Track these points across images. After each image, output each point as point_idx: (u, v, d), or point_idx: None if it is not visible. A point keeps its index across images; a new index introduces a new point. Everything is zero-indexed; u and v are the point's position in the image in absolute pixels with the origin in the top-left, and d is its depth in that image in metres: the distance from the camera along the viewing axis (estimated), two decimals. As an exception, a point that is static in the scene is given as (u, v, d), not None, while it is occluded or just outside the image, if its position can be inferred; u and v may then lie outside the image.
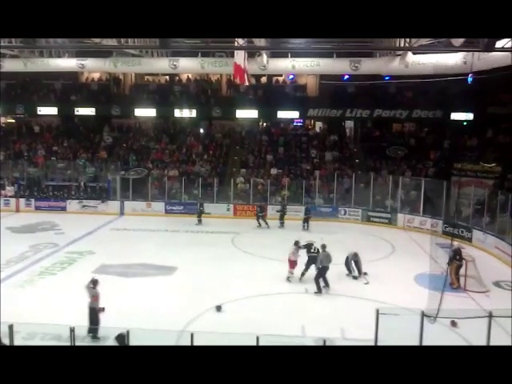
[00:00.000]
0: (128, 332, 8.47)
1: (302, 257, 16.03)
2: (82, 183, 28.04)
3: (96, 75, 33.76)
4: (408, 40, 18.25)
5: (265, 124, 34.14)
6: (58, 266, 17.33)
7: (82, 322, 10.97)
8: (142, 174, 28.97)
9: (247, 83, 23.81)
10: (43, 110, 31.92)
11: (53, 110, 31.94)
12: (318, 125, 34.32)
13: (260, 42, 20.29)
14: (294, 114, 31.36)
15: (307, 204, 25.36)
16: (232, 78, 29.10)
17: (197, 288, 15.06)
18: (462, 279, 15.45)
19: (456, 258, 15.31)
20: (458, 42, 19.52)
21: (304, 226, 23.81)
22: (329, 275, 15.30)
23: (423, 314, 9.41)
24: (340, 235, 21.50)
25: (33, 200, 27.35)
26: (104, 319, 11.72)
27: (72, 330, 8.92)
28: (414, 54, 22.71)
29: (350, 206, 25.93)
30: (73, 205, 27.17)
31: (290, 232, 21.84)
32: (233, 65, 21.27)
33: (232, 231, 22.98)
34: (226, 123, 33.09)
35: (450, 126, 29.86)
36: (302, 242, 16.48)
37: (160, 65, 26.97)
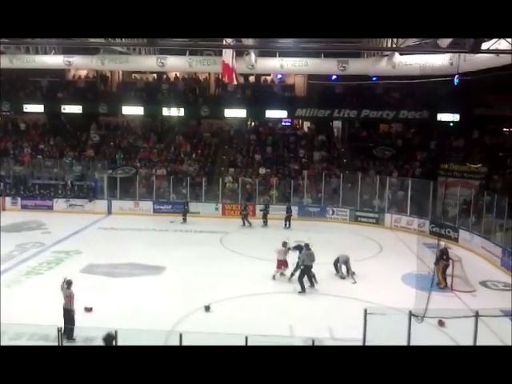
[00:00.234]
0: (116, 332, 8.41)
1: (293, 257, 16.06)
2: (69, 182, 27.74)
3: (83, 72, 33.50)
4: (395, 41, 18.37)
5: (253, 123, 34.13)
6: (45, 265, 17.17)
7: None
8: (130, 172, 28.79)
9: (235, 82, 23.81)
10: (29, 108, 31.58)
11: (39, 108, 31.62)
12: (306, 125, 34.40)
13: (248, 41, 20.28)
14: (283, 114, 31.42)
15: (288, 202, 25.48)
16: (220, 76, 29.04)
17: (185, 288, 15.01)
18: (448, 279, 15.60)
19: (443, 257, 15.45)
20: (444, 43, 19.69)
21: (286, 225, 24.05)
22: (317, 275, 15.37)
23: (411, 314, 9.48)
24: (328, 235, 21.62)
25: (19, 199, 27.03)
26: (92, 319, 11.66)
27: (59, 331, 8.86)
28: (401, 54, 22.88)
29: (338, 206, 26.02)
30: (59, 204, 26.90)
31: (275, 231, 22.12)
32: (221, 63, 21.22)
33: (220, 231, 22.95)
34: (215, 122, 33.02)
35: (436, 127, 30.13)
36: (292, 243, 16.51)
37: (148, 63, 26.81)
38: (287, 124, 33.74)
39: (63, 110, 31.50)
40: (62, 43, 24.27)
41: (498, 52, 15.67)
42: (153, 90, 32.26)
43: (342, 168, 28.59)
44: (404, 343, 9.12)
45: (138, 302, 13.75)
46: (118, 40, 20.25)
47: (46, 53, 27.15)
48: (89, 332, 10.97)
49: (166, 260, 17.80)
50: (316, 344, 8.51)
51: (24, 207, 26.75)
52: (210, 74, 32.39)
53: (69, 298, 11.34)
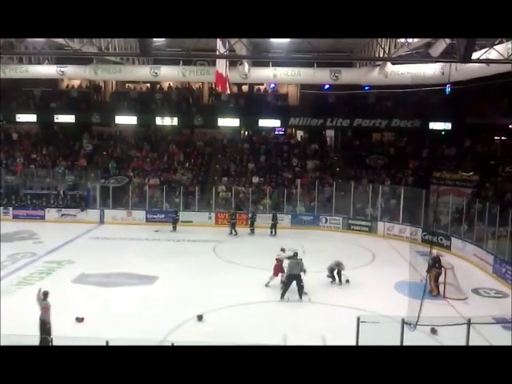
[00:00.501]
0: (107, 342, 8.34)
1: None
2: (62, 191, 27.64)
3: (76, 82, 33.51)
4: (387, 50, 18.56)
5: (246, 132, 34.20)
6: (37, 275, 17.02)
7: (61, 333, 10.77)
8: (123, 182, 28.73)
9: (229, 92, 23.86)
10: (22, 117, 31.52)
11: (32, 117, 31.58)
12: (299, 134, 34.52)
13: (241, 51, 20.39)
14: (276, 123, 31.55)
15: (273, 210, 25.64)
16: (213, 86, 29.15)
17: (178, 297, 14.94)
18: (441, 287, 15.64)
19: (435, 265, 15.48)
20: (435, 52, 19.92)
21: (271, 232, 24.25)
22: (310, 283, 15.34)
23: (403, 322, 9.49)
24: (321, 243, 21.64)
25: (10, 209, 26.86)
26: (83, 329, 11.57)
27: (50, 341, 8.79)
28: (392, 64, 23.10)
29: (331, 215, 26.07)
30: (51, 213, 26.76)
31: (266, 239, 22.12)
32: (214, 73, 21.29)
33: (213, 240, 22.91)
34: (208, 131, 33.07)
35: (428, 136, 30.32)
36: (287, 251, 16.46)
37: (141, 72, 26.91)
38: (280, 133, 33.84)
39: (56, 120, 31.47)
40: (55, 53, 24.35)
41: (488, 61, 15.88)
42: (146, 100, 32.33)
43: (334, 176, 28.68)
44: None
45: (131, 312, 13.65)
46: (111, 50, 20.28)
47: (39, 63, 27.20)
48: (80, 342, 10.84)
49: (159, 269, 17.71)
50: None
51: (16, 217, 26.56)
52: (203, 83, 32.52)
53: (45, 309, 11.17)
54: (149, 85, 33.55)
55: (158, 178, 28.90)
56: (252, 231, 24.58)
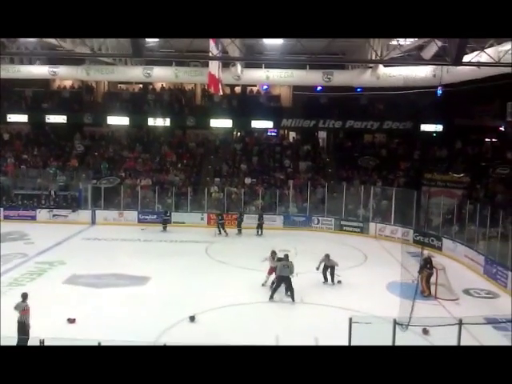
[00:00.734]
0: (99, 343, 8.32)
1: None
2: (53, 192, 27.49)
3: (68, 82, 33.37)
4: (379, 53, 18.65)
5: (239, 133, 34.21)
6: (28, 276, 16.94)
7: (53, 334, 10.72)
8: (115, 182, 28.61)
9: (221, 93, 23.90)
10: (13, 118, 31.25)
11: (23, 118, 31.31)
12: (292, 135, 34.58)
13: (234, 52, 20.42)
14: (268, 124, 31.55)
15: (261, 211, 25.75)
16: (206, 87, 29.14)
17: (170, 298, 14.91)
18: (432, 287, 15.73)
19: (427, 266, 15.58)
20: (427, 55, 20.08)
21: (258, 232, 24.41)
22: (302, 284, 15.38)
23: (395, 322, 9.53)
24: (313, 244, 21.68)
25: (1, 209, 26.64)
26: (75, 330, 11.52)
27: (41, 342, 8.74)
28: (385, 66, 23.23)
29: (323, 215, 26.15)
30: (43, 214, 26.59)
31: (263, 240, 22.19)
32: (207, 74, 21.31)
33: (206, 240, 22.91)
34: (200, 132, 33.01)
35: (419, 137, 30.46)
36: (279, 252, 16.47)
37: (134, 73, 26.86)
38: (273, 134, 33.88)
39: (48, 120, 31.23)
40: (47, 54, 24.24)
41: (479, 64, 16.00)
42: (138, 101, 32.23)
43: (327, 178, 28.74)
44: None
45: (122, 313, 13.62)
46: (103, 50, 20.22)
47: (30, 63, 27.05)
48: (72, 343, 10.81)
49: (151, 270, 17.68)
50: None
51: (6, 218, 26.36)
52: (196, 84, 32.53)
53: (25, 311, 11.07)
54: (141, 85, 33.45)
55: (151, 178, 28.82)
56: (239, 231, 24.69)
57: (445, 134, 29.89)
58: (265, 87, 32.25)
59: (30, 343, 10.34)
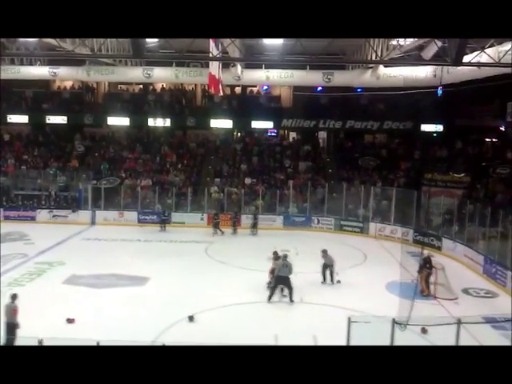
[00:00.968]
0: (98, 343, 8.33)
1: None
2: (53, 192, 27.52)
3: (68, 83, 33.37)
4: (379, 53, 18.65)
5: (239, 134, 34.24)
6: (27, 276, 16.95)
7: (52, 334, 10.72)
8: (115, 183, 28.63)
9: (222, 93, 23.92)
10: (14, 118, 31.28)
11: (24, 119, 31.35)
12: (292, 135, 34.58)
13: (234, 52, 20.43)
14: (268, 125, 31.58)
15: (255, 210, 25.82)
16: (207, 87, 29.15)
17: (169, 298, 14.92)
18: (431, 287, 15.73)
19: (426, 266, 15.59)
20: (427, 55, 20.07)
21: (252, 231, 24.56)
22: (302, 284, 15.37)
23: (394, 322, 9.54)
24: (313, 244, 21.63)
25: (1, 210, 26.65)
26: (74, 330, 11.52)
27: (40, 342, 8.75)
28: (385, 66, 23.23)
29: (323, 215, 26.15)
30: (43, 214, 26.60)
31: (263, 240, 22.11)
32: (207, 75, 21.31)
33: (205, 240, 22.93)
34: (201, 132, 33.04)
35: (420, 138, 30.45)
36: (280, 252, 16.43)
37: (134, 74, 26.87)
38: (273, 134, 33.91)
39: (48, 121, 31.27)
40: (48, 54, 24.24)
41: (479, 65, 16.00)
42: (139, 101, 32.26)
43: (327, 178, 28.75)
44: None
45: (122, 313, 13.63)
46: (103, 51, 20.24)
47: (31, 64, 27.06)
48: (71, 343, 10.80)
49: (150, 270, 17.69)
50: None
51: (6, 218, 26.35)
52: (196, 85, 32.53)
53: (14, 312, 11.05)
54: (141, 86, 33.46)
55: (151, 179, 28.83)
56: (234, 231, 24.82)
57: (445, 134, 29.90)
58: (265, 88, 32.27)
59: (28, 343, 10.31)
